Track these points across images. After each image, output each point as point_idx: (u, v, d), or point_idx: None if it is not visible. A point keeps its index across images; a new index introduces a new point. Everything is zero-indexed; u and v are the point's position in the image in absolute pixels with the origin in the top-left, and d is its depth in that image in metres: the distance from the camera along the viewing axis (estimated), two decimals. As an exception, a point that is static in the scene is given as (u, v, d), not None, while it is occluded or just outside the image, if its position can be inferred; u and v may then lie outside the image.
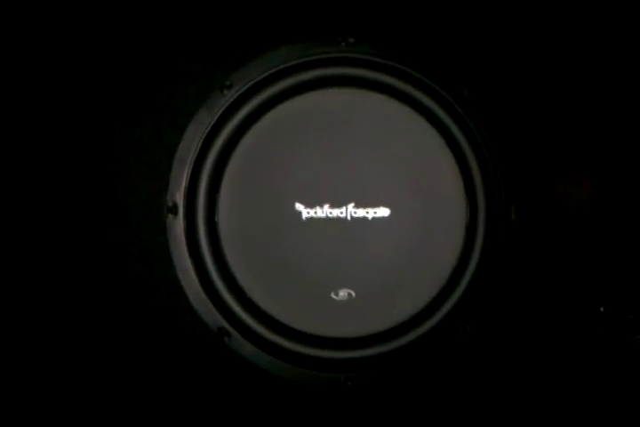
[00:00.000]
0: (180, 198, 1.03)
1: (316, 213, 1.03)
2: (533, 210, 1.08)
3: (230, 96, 1.04)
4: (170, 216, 1.03)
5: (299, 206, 1.03)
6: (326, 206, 1.03)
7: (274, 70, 1.04)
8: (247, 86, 1.04)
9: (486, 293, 1.05)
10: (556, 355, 1.08)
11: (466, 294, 1.04)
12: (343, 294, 1.03)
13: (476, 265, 1.04)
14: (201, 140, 1.03)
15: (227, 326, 1.03)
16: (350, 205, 1.04)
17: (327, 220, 1.03)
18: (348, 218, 1.04)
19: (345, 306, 1.03)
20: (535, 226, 1.08)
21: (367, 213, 1.04)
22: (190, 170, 1.03)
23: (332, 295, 1.03)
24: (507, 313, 1.07)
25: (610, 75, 1.10)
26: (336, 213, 1.03)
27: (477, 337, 1.06)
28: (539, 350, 1.08)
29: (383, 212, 1.04)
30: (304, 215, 1.03)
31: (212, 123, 1.03)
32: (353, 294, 1.03)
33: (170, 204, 1.03)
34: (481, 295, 1.05)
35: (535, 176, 1.09)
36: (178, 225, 1.03)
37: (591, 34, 1.09)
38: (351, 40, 1.06)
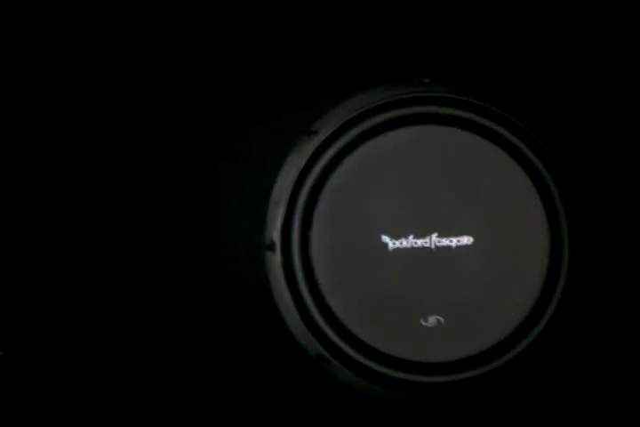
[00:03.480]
0: (276, 236, 1.12)
1: (401, 243, 1.09)
2: (617, 232, 1.08)
3: (317, 141, 1.13)
4: (268, 253, 1.12)
5: (385, 238, 1.09)
6: (411, 237, 1.09)
7: (355, 114, 1.12)
8: (331, 131, 1.12)
9: (574, 315, 1.05)
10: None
11: (554, 316, 1.05)
12: (432, 320, 1.07)
13: (563, 287, 1.06)
14: (293, 183, 1.12)
15: (324, 352, 1.09)
16: (434, 235, 1.08)
17: (413, 250, 1.08)
18: (433, 247, 1.08)
19: (435, 332, 1.07)
20: (620, 247, 1.08)
21: (451, 241, 1.08)
22: (285, 210, 1.12)
23: (422, 322, 1.07)
24: (597, 334, 1.07)
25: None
26: (421, 242, 1.08)
27: (568, 360, 1.06)
28: (632, 370, 1.06)
29: (467, 240, 1.08)
30: (390, 246, 1.09)
31: (302, 166, 1.12)
32: (442, 320, 1.07)
33: (268, 241, 1.12)
34: (569, 317, 1.05)
35: (617, 199, 1.09)
36: (276, 261, 1.11)
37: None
38: (426, 80, 1.13)
